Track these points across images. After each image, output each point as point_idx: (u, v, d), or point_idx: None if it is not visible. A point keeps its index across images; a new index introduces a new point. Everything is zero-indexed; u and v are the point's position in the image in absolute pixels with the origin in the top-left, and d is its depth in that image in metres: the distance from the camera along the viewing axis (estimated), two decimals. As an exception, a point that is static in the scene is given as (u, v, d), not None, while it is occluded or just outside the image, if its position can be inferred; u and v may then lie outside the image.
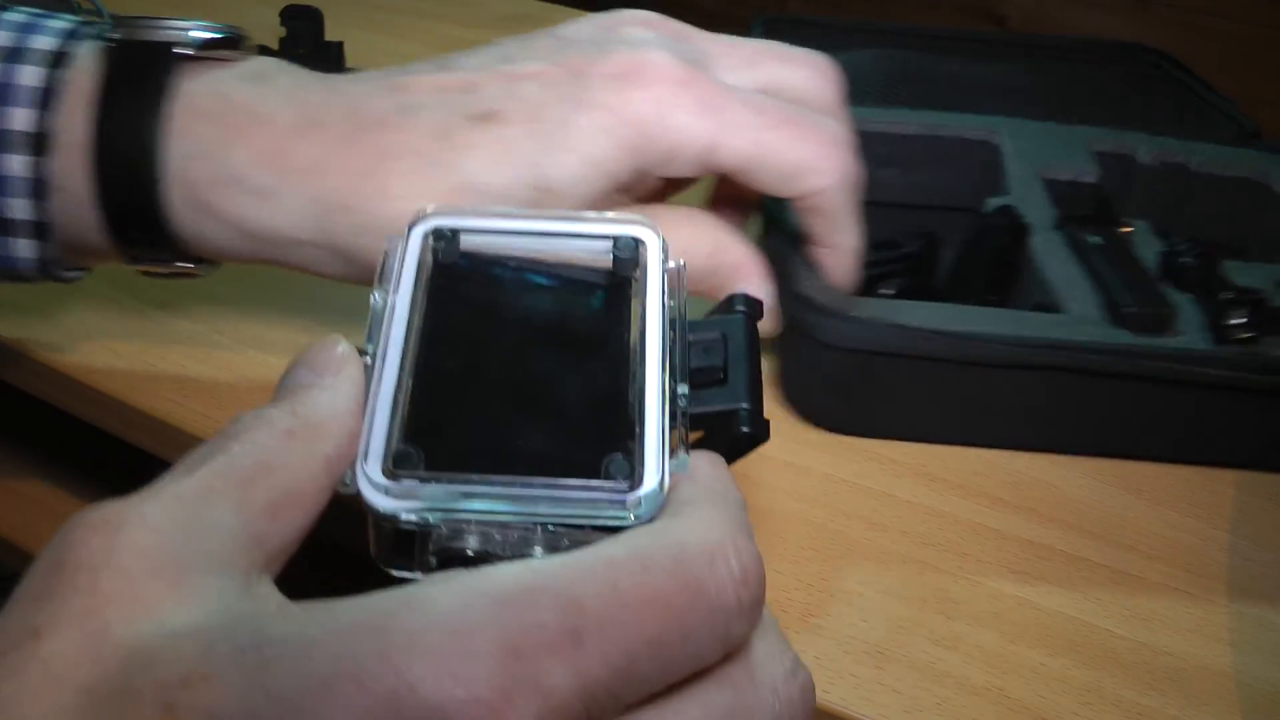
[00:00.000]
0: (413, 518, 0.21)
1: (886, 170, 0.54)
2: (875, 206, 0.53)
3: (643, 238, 0.26)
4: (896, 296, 0.46)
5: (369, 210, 0.32)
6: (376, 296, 0.24)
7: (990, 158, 0.54)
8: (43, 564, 0.18)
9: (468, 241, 0.26)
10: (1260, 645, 0.35)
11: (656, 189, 0.36)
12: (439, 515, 0.21)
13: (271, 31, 0.61)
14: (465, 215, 0.26)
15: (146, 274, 0.36)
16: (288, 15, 0.61)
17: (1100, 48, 0.70)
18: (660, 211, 0.35)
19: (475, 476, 0.21)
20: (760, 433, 0.25)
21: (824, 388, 0.41)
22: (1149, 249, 0.47)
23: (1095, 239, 0.45)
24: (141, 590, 0.17)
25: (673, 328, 0.25)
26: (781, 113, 0.34)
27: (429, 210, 0.26)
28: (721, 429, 0.25)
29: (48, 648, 0.16)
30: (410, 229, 0.26)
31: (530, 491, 0.21)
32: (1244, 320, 0.41)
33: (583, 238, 0.26)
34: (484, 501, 0.21)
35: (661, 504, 0.22)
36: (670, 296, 0.25)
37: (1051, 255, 0.46)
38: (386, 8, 0.80)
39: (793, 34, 0.68)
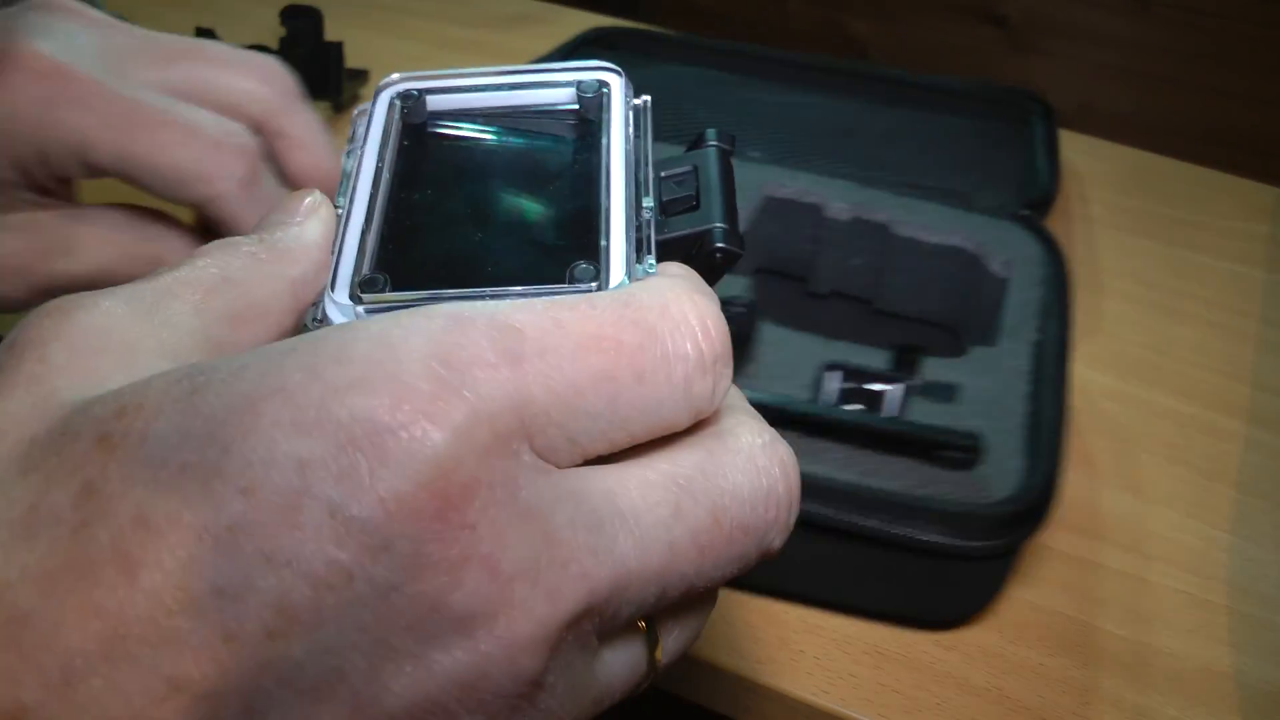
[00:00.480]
0: None
1: None
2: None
3: (606, 80, 0.26)
4: None
5: None
6: (347, 159, 0.25)
7: None
8: None
9: (434, 101, 0.26)
10: (1260, 645, 0.35)
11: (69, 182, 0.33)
12: None
13: (271, 31, 0.61)
14: (431, 78, 0.26)
15: None
16: (287, 15, 0.61)
17: (966, 91, 0.66)
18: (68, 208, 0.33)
19: (442, 291, 0.21)
20: (733, 247, 0.24)
21: None
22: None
23: None
24: (90, 364, 0.17)
25: (637, 154, 0.25)
26: (161, 115, 0.31)
27: (395, 76, 0.26)
28: (697, 251, 0.24)
29: None
30: (377, 94, 0.26)
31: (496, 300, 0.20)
32: None
33: (547, 85, 0.26)
34: None
35: None
36: (634, 128, 0.25)
37: None
38: (386, 8, 0.80)
39: (623, 45, 0.68)
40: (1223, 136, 1.73)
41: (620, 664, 0.19)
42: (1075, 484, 0.41)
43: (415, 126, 0.26)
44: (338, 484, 0.14)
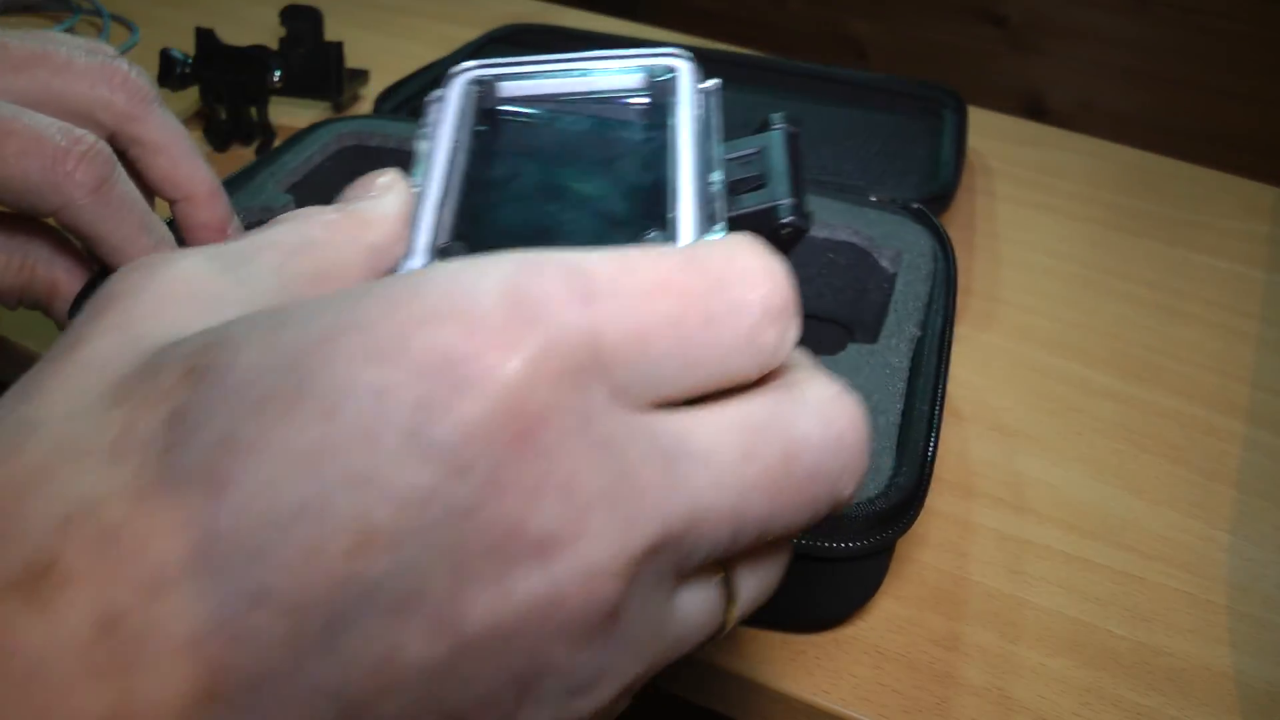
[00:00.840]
0: None
1: None
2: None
3: (674, 65, 0.27)
4: None
5: None
6: (420, 141, 0.26)
7: None
8: (87, 305, 0.19)
9: (506, 87, 0.27)
10: (1260, 645, 0.35)
11: None
12: None
13: (271, 31, 0.61)
14: (503, 65, 0.27)
15: None
16: (288, 15, 0.61)
17: (885, 85, 0.67)
18: None
19: None
20: (801, 222, 0.25)
21: None
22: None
23: None
24: (176, 311, 0.18)
25: (705, 132, 0.25)
26: (4, 124, 0.30)
27: (468, 63, 0.27)
28: (763, 227, 0.25)
29: (84, 351, 0.17)
30: (450, 79, 0.27)
31: None
32: None
33: (616, 71, 0.27)
34: None
35: None
36: (702, 109, 0.26)
37: None
38: (386, 8, 0.80)
39: (529, 41, 0.68)
40: (1223, 136, 1.73)
41: (696, 609, 0.19)
42: (1075, 483, 0.41)
43: (488, 110, 0.27)
44: (415, 410, 0.15)
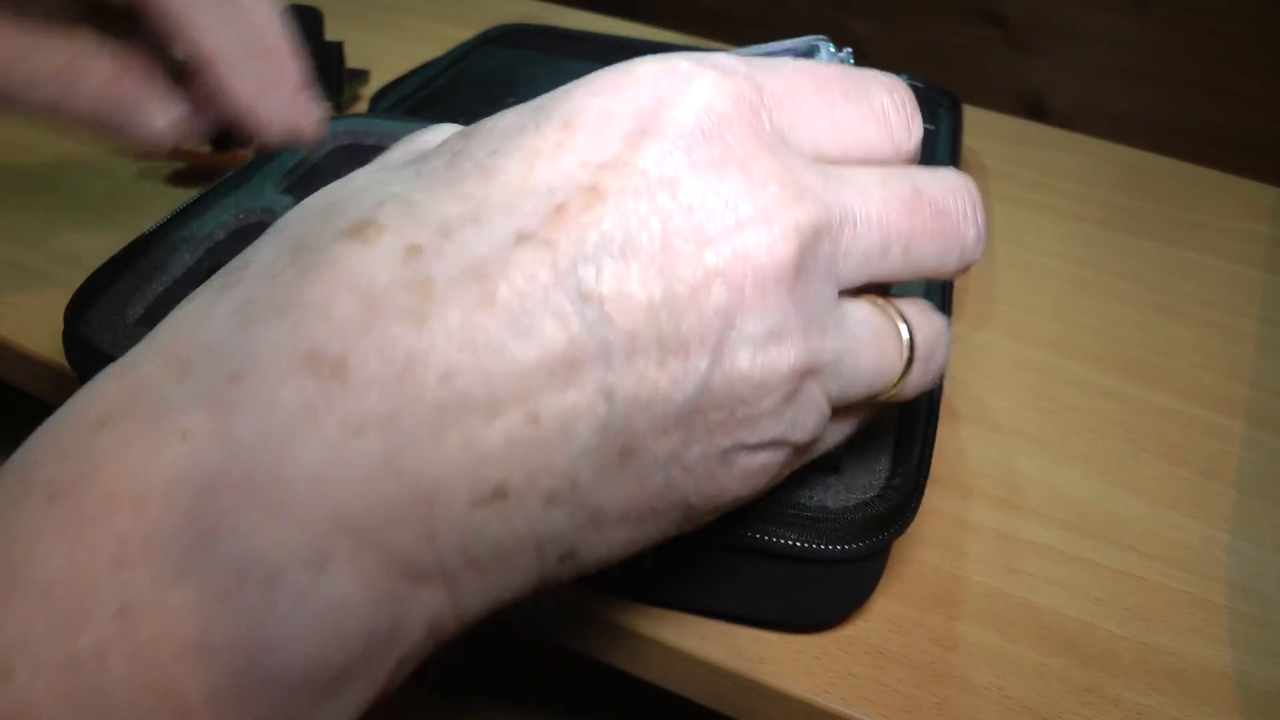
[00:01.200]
0: None
1: None
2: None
3: (816, 43, 0.34)
4: None
5: None
6: None
7: None
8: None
9: None
10: (1260, 645, 0.35)
11: None
12: None
13: (271, 31, 0.61)
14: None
15: None
16: (288, 16, 0.61)
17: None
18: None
19: None
20: None
21: None
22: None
23: None
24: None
25: None
26: None
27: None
28: None
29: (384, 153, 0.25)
30: None
31: None
32: None
33: (769, 53, 0.34)
34: None
35: None
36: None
37: None
38: (386, 8, 0.80)
39: (525, 42, 0.68)
40: (1223, 136, 1.73)
41: (868, 321, 0.24)
42: (1073, 483, 0.41)
43: None
44: (632, 116, 0.21)
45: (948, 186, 0.24)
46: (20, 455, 0.19)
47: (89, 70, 0.32)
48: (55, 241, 0.49)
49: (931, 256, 0.24)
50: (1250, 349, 0.50)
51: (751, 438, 0.21)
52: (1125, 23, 1.75)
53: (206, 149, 0.57)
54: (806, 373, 0.21)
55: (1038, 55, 1.84)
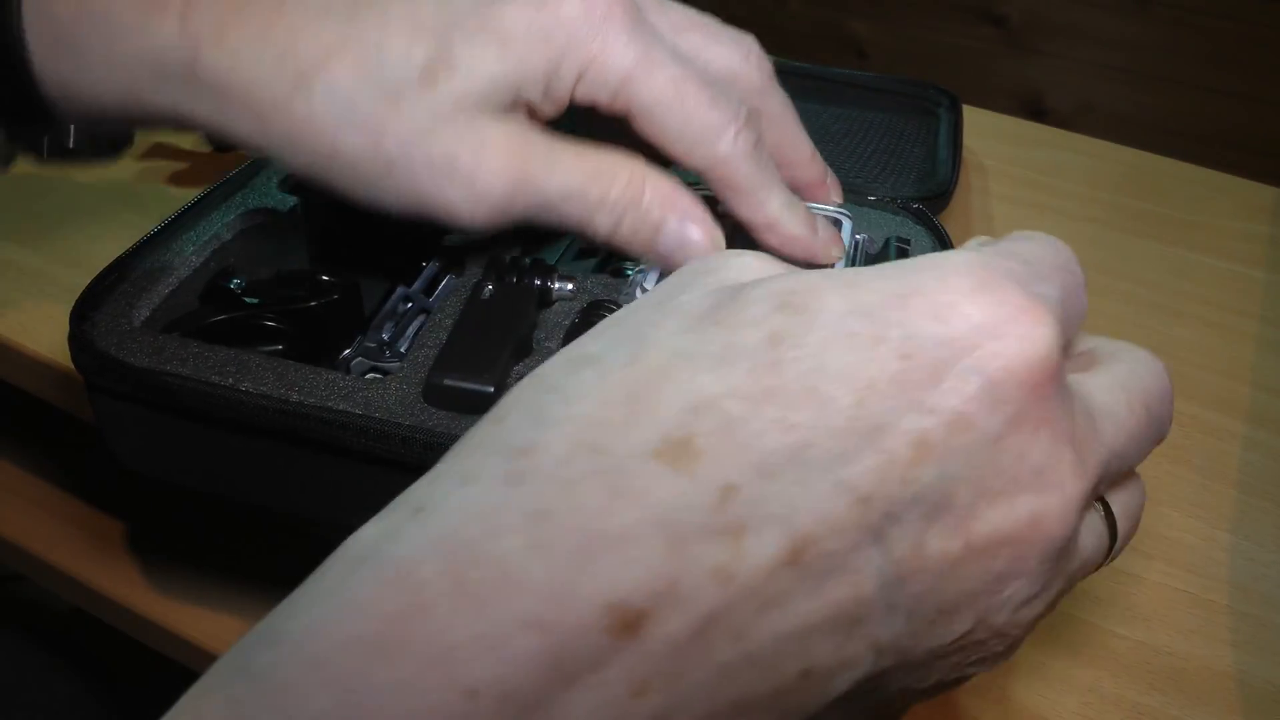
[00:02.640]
0: None
1: None
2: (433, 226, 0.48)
3: (841, 219, 0.40)
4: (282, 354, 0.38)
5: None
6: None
7: None
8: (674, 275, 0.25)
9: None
10: (1260, 645, 0.35)
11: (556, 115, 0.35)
12: None
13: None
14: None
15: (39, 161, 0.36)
16: None
17: (879, 85, 0.67)
18: (575, 142, 0.34)
19: None
20: None
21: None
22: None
23: (490, 290, 0.38)
24: (742, 266, 0.24)
25: (852, 258, 0.39)
26: (702, 76, 0.34)
27: (705, 191, 0.35)
28: None
29: (678, 297, 0.23)
30: None
31: None
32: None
33: None
34: None
35: None
36: (857, 247, 0.40)
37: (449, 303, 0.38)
38: (386, 8, 0.80)
39: None
40: (1223, 136, 1.73)
41: (1093, 534, 0.24)
42: (1075, 484, 0.41)
43: None
44: (969, 356, 0.19)
45: (1164, 388, 0.25)
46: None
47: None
48: (56, 242, 0.49)
49: (1143, 458, 0.24)
50: (1250, 349, 0.50)
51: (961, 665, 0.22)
52: (1125, 23, 1.75)
53: (207, 149, 0.57)
54: (1046, 610, 0.22)
55: (1038, 55, 1.84)
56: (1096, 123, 1.83)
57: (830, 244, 0.37)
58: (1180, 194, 0.63)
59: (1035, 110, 1.86)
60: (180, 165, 0.56)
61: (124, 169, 0.56)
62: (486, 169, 0.32)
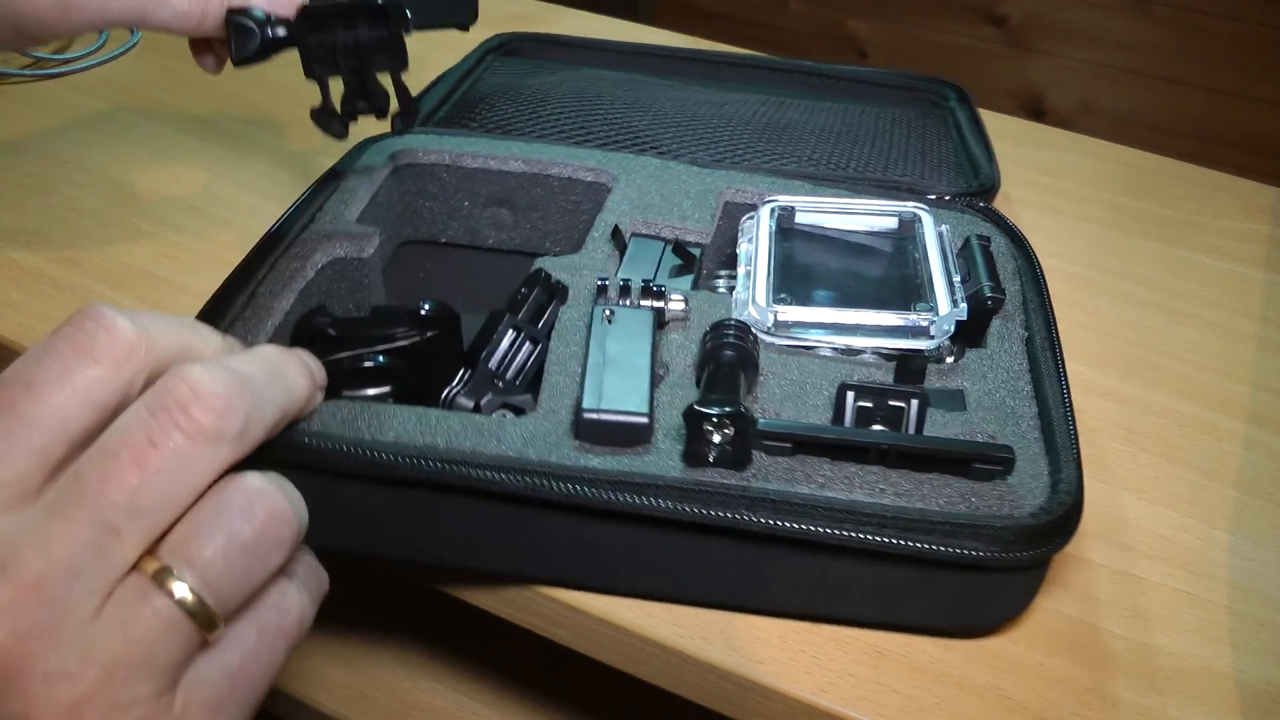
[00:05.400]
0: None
1: (498, 210, 0.50)
2: (492, 253, 0.52)
3: (918, 213, 0.45)
4: (385, 397, 0.36)
5: None
6: (744, 246, 0.43)
7: (600, 203, 0.48)
8: None
9: (801, 217, 0.46)
10: (1260, 645, 0.35)
11: None
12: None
13: None
14: (797, 200, 0.46)
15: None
16: None
17: (883, 80, 0.67)
18: None
19: (823, 309, 0.40)
20: (1000, 296, 0.40)
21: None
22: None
23: (608, 315, 0.37)
24: None
25: (944, 251, 0.43)
26: None
27: (776, 197, 0.46)
28: (979, 302, 0.40)
29: None
30: (760, 206, 0.45)
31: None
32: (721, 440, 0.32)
33: (878, 213, 0.46)
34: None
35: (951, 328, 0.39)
36: (940, 239, 0.44)
37: (568, 336, 0.38)
38: (386, 8, 0.80)
39: (526, 51, 0.67)
40: (1223, 136, 1.73)
41: None
42: (1075, 484, 0.41)
43: (787, 229, 0.45)
44: None
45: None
46: None
47: None
48: (56, 242, 0.49)
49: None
50: (1250, 349, 0.50)
51: None
52: (1125, 23, 1.75)
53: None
54: None
55: (1038, 55, 1.84)
56: (1096, 123, 1.83)
57: None
58: (1180, 194, 0.63)
59: (1035, 110, 1.86)
60: (180, 165, 0.56)
61: (119, 170, 0.56)
62: None
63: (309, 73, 0.42)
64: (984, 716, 0.32)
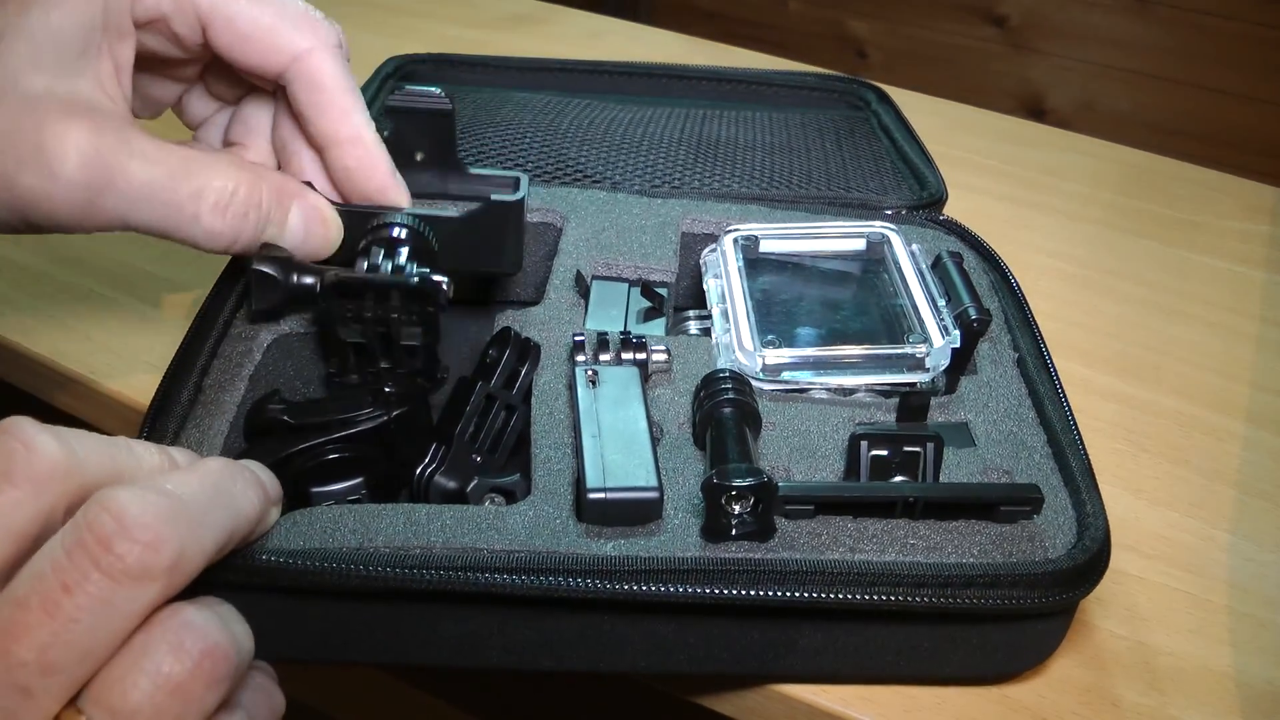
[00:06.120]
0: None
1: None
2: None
3: (886, 234, 0.43)
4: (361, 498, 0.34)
5: None
6: (712, 282, 0.41)
7: (554, 245, 0.44)
8: None
9: (765, 244, 0.43)
10: (1260, 645, 0.35)
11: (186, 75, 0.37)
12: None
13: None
14: (760, 229, 0.43)
15: None
16: (398, 110, 0.51)
17: (793, 81, 0.64)
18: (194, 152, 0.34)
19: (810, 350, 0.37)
20: (987, 317, 0.38)
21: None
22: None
23: (592, 375, 0.35)
24: None
25: (922, 273, 0.40)
26: None
27: (739, 226, 0.43)
28: (964, 323, 0.38)
29: None
30: (723, 236, 0.42)
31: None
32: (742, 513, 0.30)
33: (843, 236, 0.43)
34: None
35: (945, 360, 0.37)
36: (915, 259, 0.41)
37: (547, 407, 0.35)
38: (386, 7, 0.80)
39: (421, 74, 0.61)
40: (1223, 136, 1.73)
41: None
42: (1075, 484, 0.41)
43: (753, 260, 0.42)
44: None
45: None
46: None
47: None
48: (56, 242, 0.49)
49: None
50: (1250, 349, 0.50)
51: None
52: (1125, 23, 1.75)
53: None
54: None
55: (1038, 55, 1.84)
56: (1096, 123, 1.82)
57: (401, 190, 0.36)
58: (1180, 194, 0.63)
59: (1035, 110, 1.85)
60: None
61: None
62: (61, 148, 0.31)
63: (329, 341, 0.38)
64: (984, 716, 0.32)
